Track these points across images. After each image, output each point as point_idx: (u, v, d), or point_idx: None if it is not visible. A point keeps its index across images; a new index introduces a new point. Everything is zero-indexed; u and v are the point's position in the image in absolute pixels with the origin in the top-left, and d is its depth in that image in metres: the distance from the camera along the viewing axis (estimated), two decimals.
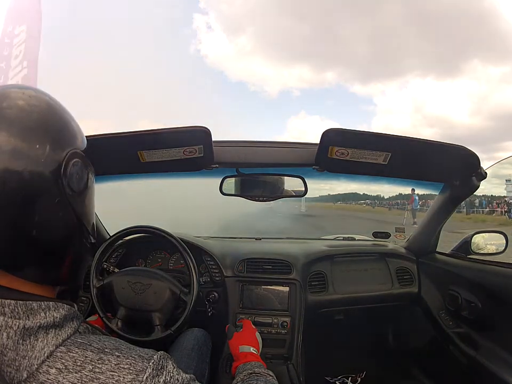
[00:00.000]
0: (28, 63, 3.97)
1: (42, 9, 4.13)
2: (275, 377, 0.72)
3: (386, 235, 1.58)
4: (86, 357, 0.36)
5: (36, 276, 0.41)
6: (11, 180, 0.36)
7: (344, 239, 1.72)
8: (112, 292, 0.93)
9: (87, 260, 0.49)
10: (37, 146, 0.37)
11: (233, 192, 1.12)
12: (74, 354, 0.36)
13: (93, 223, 0.48)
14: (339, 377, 1.58)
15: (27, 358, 0.35)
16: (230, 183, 1.11)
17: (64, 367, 0.35)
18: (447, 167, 0.93)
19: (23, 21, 4.04)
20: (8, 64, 3.97)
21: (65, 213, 0.41)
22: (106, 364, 0.36)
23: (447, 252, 1.34)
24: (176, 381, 0.40)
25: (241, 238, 1.70)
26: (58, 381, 0.35)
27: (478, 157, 0.84)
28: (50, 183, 0.39)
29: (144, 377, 0.36)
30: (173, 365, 0.41)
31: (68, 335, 0.38)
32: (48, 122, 0.40)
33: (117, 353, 0.38)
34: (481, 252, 1.26)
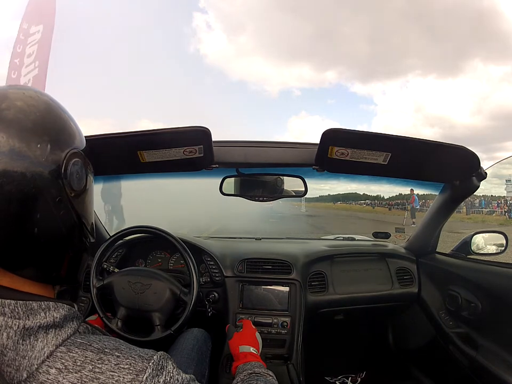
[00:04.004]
0: (39, 63, 4.01)
1: (56, 12, 4.17)
2: (275, 377, 0.72)
3: (386, 235, 1.58)
4: (86, 357, 0.36)
5: (36, 274, 0.41)
6: (11, 180, 0.36)
7: (344, 239, 1.72)
8: (112, 292, 0.93)
9: (86, 259, 0.50)
10: (38, 146, 0.38)
11: (233, 192, 1.12)
12: (74, 354, 0.36)
13: (92, 222, 0.48)
14: (339, 377, 1.58)
15: (27, 358, 0.35)
16: (230, 183, 1.11)
17: (64, 367, 0.35)
18: (447, 167, 0.93)
19: (40, 21, 4.08)
20: (22, 61, 4.00)
21: (66, 212, 0.41)
22: (106, 364, 0.36)
23: (447, 252, 1.35)
24: (176, 381, 0.40)
25: (241, 238, 1.70)
26: (58, 381, 0.35)
27: (478, 157, 0.84)
28: (51, 183, 0.39)
29: (144, 377, 0.36)
30: (172, 365, 0.41)
31: (67, 335, 0.38)
32: (47, 122, 0.40)
33: (117, 353, 0.38)
34: (481, 252, 1.26)
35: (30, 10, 4.15)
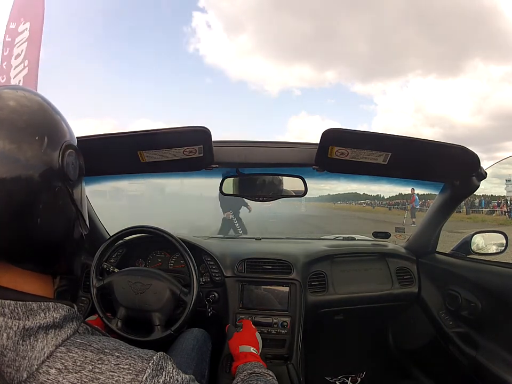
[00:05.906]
0: (29, 63, 3.97)
1: (45, 8, 4.12)
2: (275, 377, 0.72)
3: (386, 235, 1.58)
4: (86, 357, 0.36)
5: (38, 266, 0.42)
6: (12, 179, 0.36)
7: (344, 239, 1.72)
8: (112, 292, 0.93)
9: (82, 252, 0.51)
10: (35, 139, 0.38)
11: (233, 192, 1.12)
12: (74, 355, 0.36)
13: (87, 214, 0.50)
14: (339, 377, 1.58)
15: (27, 358, 0.35)
16: (230, 183, 1.11)
17: (64, 367, 0.35)
18: (447, 167, 0.93)
19: (27, 19, 4.03)
20: (9, 64, 3.97)
21: (65, 201, 0.43)
22: (106, 364, 0.36)
23: (447, 252, 1.35)
24: (176, 381, 0.40)
25: (241, 238, 1.70)
26: (58, 381, 0.35)
27: (478, 157, 0.84)
28: (50, 175, 0.40)
29: (144, 378, 0.36)
30: (172, 366, 0.41)
31: (67, 335, 0.39)
32: (40, 121, 0.41)
33: (116, 354, 0.38)
34: (481, 252, 1.26)
35: (16, 8, 4.09)
